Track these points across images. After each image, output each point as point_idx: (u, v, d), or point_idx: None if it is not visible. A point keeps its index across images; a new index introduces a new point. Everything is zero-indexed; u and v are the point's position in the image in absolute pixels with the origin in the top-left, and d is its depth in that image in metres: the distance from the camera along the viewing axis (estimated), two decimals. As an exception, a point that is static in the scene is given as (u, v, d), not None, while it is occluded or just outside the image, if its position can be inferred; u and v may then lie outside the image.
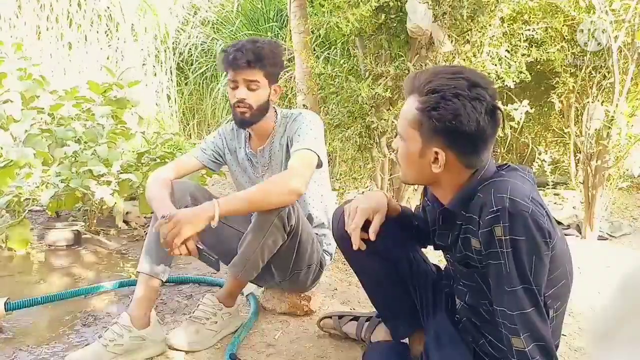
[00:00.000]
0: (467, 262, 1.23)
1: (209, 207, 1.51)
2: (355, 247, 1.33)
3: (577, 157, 3.33)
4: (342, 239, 1.45)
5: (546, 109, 3.78)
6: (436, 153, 1.14)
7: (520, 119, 2.61)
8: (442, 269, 1.54)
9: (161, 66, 5.92)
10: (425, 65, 2.46)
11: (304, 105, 3.04)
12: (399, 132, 1.21)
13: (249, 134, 1.91)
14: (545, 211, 1.10)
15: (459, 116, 1.08)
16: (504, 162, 1.25)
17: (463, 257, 1.24)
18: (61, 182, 2.52)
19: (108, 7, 5.50)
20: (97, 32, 5.43)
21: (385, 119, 2.50)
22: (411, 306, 1.49)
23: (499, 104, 1.14)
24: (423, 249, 1.56)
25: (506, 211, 1.06)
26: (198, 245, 1.55)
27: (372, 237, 1.33)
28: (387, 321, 1.59)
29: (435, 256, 1.86)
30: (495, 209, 1.08)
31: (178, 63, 6.36)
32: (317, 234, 1.88)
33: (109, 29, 5.58)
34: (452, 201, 1.22)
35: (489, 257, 1.12)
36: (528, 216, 1.06)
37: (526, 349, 1.08)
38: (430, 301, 1.47)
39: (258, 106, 1.77)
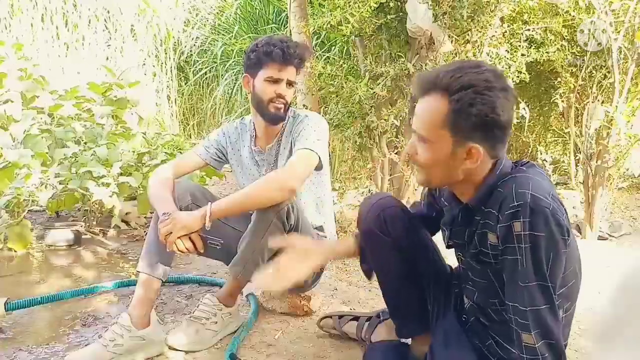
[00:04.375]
0: (480, 258, 1.22)
1: (203, 211, 1.59)
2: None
3: (577, 157, 3.33)
4: (367, 233, 1.43)
5: (546, 109, 3.78)
6: (470, 148, 1.12)
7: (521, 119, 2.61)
8: (454, 270, 1.53)
9: (161, 66, 5.92)
10: (425, 65, 2.46)
11: (304, 105, 3.04)
12: (421, 135, 1.16)
13: (255, 133, 1.92)
14: (564, 209, 1.10)
15: (495, 108, 1.07)
16: (523, 159, 1.25)
17: (477, 253, 1.23)
18: (60, 183, 2.52)
19: (105, 8, 5.50)
20: (95, 32, 5.43)
21: (385, 119, 2.50)
22: (422, 307, 1.48)
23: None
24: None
25: (527, 207, 1.06)
26: (202, 235, 1.62)
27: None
28: (396, 318, 1.56)
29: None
30: (516, 204, 1.07)
31: (179, 63, 6.36)
32: (317, 234, 1.88)
33: (107, 30, 5.58)
34: (473, 198, 1.20)
35: (505, 253, 1.11)
36: (549, 213, 1.05)
37: (536, 345, 1.08)
38: (442, 302, 1.46)
39: (289, 105, 1.83)
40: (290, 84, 1.79)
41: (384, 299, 1.55)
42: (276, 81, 1.76)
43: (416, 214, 1.50)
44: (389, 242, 1.39)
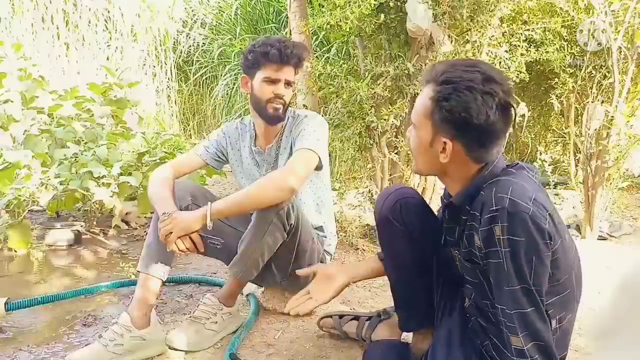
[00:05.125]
0: (471, 258, 1.23)
1: (203, 210, 1.60)
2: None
3: (577, 157, 3.33)
4: (382, 221, 1.43)
5: (546, 109, 3.78)
6: (444, 143, 1.16)
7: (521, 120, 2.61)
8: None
9: (161, 67, 5.92)
10: (425, 65, 2.46)
11: (304, 105, 3.04)
12: (412, 120, 1.23)
13: (255, 133, 1.92)
14: (549, 213, 1.09)
15: (469, 109, 1.09)
16: (514, 161, 1.25)
17: (468, 253, 1.24)
18: (60, 183, 2.52)
19: (106, 9, 5.50)
20: (96, 32, 5.43)
21: (385, 119, 2.50)
22: (429, 302, 1.47)
23: (513, 100, 1.14)
24: None
25: (505, 211, 1.06)
26: (202, 235, 1.63)
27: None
28: (403, 310, 1.54)
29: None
30: (494, 208, 1.08)
31: (178, 63, 6.36)
32: (317, 234, 1.88)
33: (107, 30, 5.58)
34: (457, 195, 1.23)
35: (489, 256, 1.12)
36: (527, 217, 1.05)
37: (524, 348, 1.08)
38: (449, 299, 1.45)
39: (288, 105, 1.83)
40: (288, 84, 1.79)
41: (391, 290, 1.54)
42: (274, 81, 1.76)
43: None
44: (403, 231, 1.39)
